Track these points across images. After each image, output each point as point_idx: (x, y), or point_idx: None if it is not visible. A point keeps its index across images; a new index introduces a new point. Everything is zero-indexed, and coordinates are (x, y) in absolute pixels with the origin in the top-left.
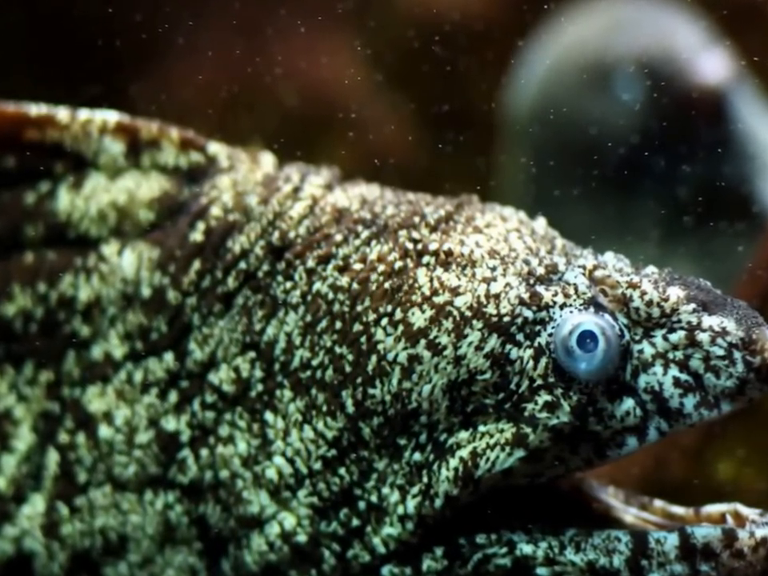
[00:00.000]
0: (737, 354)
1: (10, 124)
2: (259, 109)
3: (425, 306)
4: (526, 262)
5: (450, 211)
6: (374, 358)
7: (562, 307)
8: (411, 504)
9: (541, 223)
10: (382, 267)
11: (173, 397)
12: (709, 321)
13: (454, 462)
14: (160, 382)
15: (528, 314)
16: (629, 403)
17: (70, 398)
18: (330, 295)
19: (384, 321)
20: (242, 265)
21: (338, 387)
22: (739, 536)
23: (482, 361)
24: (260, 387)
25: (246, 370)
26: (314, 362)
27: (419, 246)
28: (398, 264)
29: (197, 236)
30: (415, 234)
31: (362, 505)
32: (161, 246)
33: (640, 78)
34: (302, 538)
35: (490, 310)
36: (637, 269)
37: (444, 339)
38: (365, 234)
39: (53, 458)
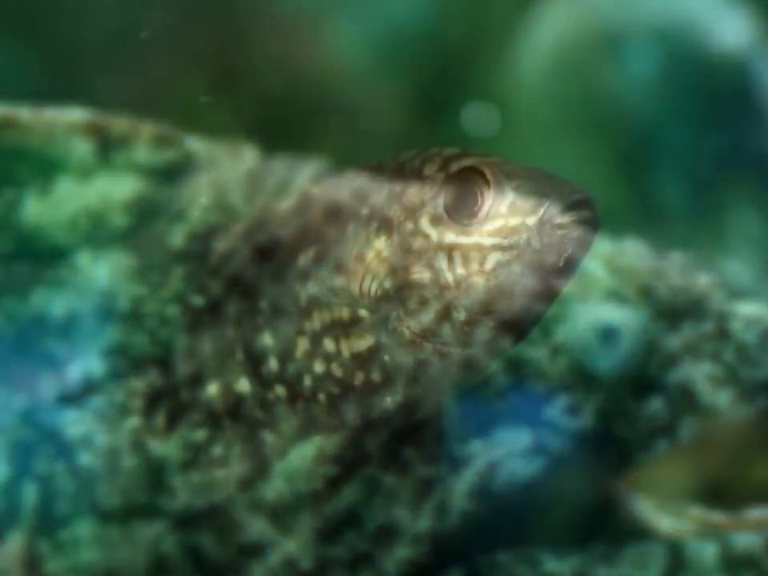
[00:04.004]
0: None
1: None
2: (239, 98)
3: None
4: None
5: None
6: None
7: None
8: (424, 522)
9: None
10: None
11: (159, 417)
12: (740, 308)
13: (469, 474)
14: (144, 402)
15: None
16: (657, 402)
17: (46, 424)
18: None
19: None
20: (228, 269)
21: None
22: None
23: None
24: (254, 402)
25: (239, 384)
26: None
27: None
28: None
29: (177, 240)
30: None
31: (369, 526)
32: (138, 253)
33: (656, 45)
34: (306, 564)
35: None
36: (660, 254)
37: None
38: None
39: (31, 490)
